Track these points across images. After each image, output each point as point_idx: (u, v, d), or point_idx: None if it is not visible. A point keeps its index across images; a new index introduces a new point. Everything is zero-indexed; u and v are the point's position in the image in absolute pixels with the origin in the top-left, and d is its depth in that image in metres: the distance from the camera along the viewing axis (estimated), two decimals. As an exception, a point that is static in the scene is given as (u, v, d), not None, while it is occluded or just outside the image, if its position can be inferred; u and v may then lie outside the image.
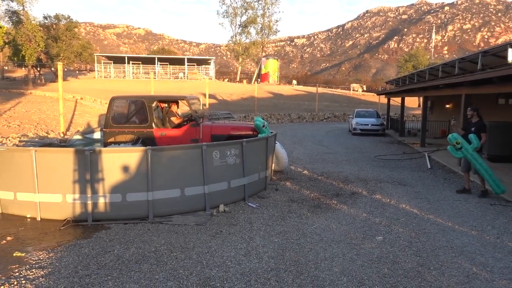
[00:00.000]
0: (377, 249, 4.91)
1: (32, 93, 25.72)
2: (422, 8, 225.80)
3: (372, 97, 43.94)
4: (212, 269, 4.30)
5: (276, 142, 9.61)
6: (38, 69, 40.08)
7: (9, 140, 11.79)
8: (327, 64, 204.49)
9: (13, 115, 16.50)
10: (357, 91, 49.41)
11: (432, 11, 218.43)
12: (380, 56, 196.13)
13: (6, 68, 49.84)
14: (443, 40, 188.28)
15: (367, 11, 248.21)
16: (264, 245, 5.00)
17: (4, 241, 5.23)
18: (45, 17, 39.68)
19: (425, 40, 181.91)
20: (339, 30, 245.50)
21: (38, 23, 35.82)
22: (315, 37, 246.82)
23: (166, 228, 5.70)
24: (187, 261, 4.51)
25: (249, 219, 6.09)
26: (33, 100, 21.66)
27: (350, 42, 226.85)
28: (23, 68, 41.78)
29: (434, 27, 77.29)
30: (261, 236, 5.34)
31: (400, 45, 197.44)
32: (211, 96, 30.05)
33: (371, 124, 20.26)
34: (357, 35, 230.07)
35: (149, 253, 4.77)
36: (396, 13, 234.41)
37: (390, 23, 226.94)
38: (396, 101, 24.59)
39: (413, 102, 41.57)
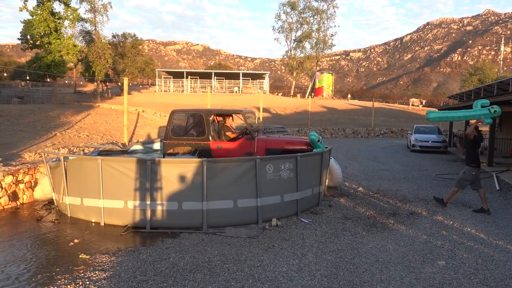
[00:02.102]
0: (438, 274, 4.61)
1: (99, 106, 27.66)
2: (489, 19, 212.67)
3: (432, 112, 41.77)
4: (264, 284, 4.29)
5: (331, 157, 9.45)
6: (106, 83, 43.14)
7: (79, 149, 12.73)
8: (384, 78, 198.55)
9: (83, 126, 17.84)
10: (416, 106, 47.30)
11: (500, 21, 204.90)
12: (441, 69, 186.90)
13: (78, 83, 54.16)
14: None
15: (427, 23, 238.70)
16: (317, 263, 4.90)
17: (72, 243, 5.62)
18: (113, 36, 42.85)
19: (493, 52, 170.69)
20: (397, 43, 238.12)
21: (107, 42, 38.72)
22: (372, 50, 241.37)
23: (219, 239, 5.79)
24: (239, 274, 4.54)
25: (302, 235, 6.00)
26: (101, 113, 23.27)
27: (409, 55, 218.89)
28: (94, 83, 45.15)
29: (503, 38, 72.28)
30: (313, 253, 5.23)
31: (464, 57, 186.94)
32: (265, 110, 30.37)
33: (431, 141, 19.24)
34: (416, 48, 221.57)
35: (203, 263, 4.86)
36: (460, 25, 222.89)
37: (453, 35, 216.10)
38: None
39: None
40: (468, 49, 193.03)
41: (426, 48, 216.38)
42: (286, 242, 5.69)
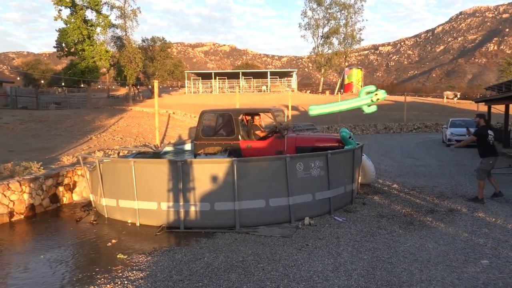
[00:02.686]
0: (482, 274, 4.39)
1: (132, 109, 28.41)
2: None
3: (468, 105, 40.16)
4: (299, 283, 4.23)
5: (363, 154, 9.25)
6: (137, 87, 44.25)
7: (114, 151, 13.11)
8: (416, 72, 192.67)
9: (116, 129, 18.37)
10: (451, 98, 45.53)
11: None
12: (477, 60, 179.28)
13: (110, 87, 55.88)
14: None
15: (460, 13, 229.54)
16: (353, 262, 4.79)
17: (110, 243, 5.77)
18: (143, 40, 43.86)
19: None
20: (428, 35, 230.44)
21: (137, 46, 39.72)
22: (402, 43, 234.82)
23: (252, 238, 5.79)
24: (273, 273, 4.51)
25: (336, 234, 5.90)
26: (133, 116, 23.89)
27: (442, 47, 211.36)
28: (126, 87, 46.50)
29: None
30: (349, 252, 5.13)
31: (501, 47, 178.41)
32: (293, 108, 30.16)
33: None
34: (449, 39, 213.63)
35: (237, 262, 4.87)
36: (496, 13, 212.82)
37: (488, 23, 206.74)
38: (498, 109, 22.14)
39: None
40: (505, 37, 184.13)
41: (459, 39, 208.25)
42: (320, 241, 5.60)
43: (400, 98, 42.37)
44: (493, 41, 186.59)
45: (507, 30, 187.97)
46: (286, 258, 4.97)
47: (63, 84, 38.33)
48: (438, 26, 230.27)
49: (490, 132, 7.89)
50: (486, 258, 4.84)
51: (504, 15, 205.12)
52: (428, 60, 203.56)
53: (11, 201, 7.16)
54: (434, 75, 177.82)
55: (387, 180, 10.10)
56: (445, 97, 46.57)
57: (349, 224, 6.38)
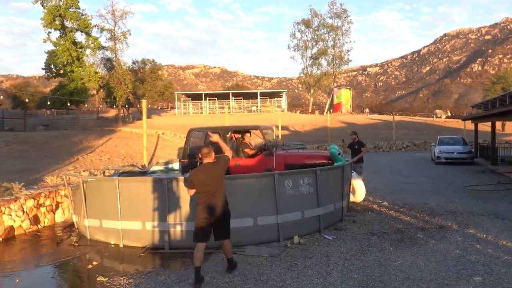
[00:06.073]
0: (476, 291, 4.27)
1: (121, 130, 28.15)
2: (508, 27, 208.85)
3: (455, 123, 40.73)
4: (287, 304, 4.05)
5: (353, 171, 9.18)
6: (127, 108, 44.08)
7: (99, 172, 12.86)
8: (403, 92, 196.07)
9: (104, 149, 18.11)
10: (439, 117, 46.14)
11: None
12: (462, 80, 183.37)
13: (100, 109, 55.64)
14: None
15: (444, 35, 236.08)
16: (343, 281, 4.63)
17: (90, 266, 5.53)
18: (133, 62, 43.95)
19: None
20: (414, 56, 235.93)
21: (127, 68, 39.76)
22: (389, 64, 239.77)
23: (240, 258, 5.59)
24: (260, 294, 4.32)
25: (326, 252, 5.74)
26: (122, 136, 23.65)
27: (428, 68, 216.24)
28: (115, 108, 46.28)
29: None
30: (339, 271, 4.96)
31: (485, 67, 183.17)
32: (283, 128, 30.24)
33: (457, 152, 18.58)
34: (434, 60, 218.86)
35: (223, 283, 4.67)
36: (478, 34, 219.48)
37: (471, 45, 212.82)
38: (486, 125, 22.44)
39: (508, 128, 37.70)
40: (489, 58, 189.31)
41: (444, 60, 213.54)
42: (310, 260, 5.44)
43: (389, 118, 42.84)
44: (477, 62, 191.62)
45: (490, 51, 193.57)
46: (274, 278, 4.79)
47: (49, 104, 37.95)
48: (424, 48, 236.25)
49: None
50: (479, 275, 4.72)
51: (487, 37, 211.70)
52: (415, 81, 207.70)
53: (-11, 223, 6.87)
54: (421, 95, 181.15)
55: (377, 197, 10.01)
56: (438, 115, 46.89)
57: (339, 242, 6.23)
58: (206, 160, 4.98)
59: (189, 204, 6.12)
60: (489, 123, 19.74)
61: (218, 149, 8.64)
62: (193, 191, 4.90)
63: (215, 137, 5.26)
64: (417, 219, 7.65)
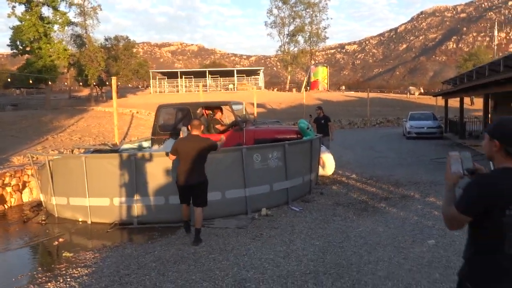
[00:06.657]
0: (428, 253, 4.51)
1: (93, 109, 27.50)
2: (483, 5, 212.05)
3: (428, 99, 41.67)
4: (249, 271, 4.19)
5: (322, 145, 9.35)
6: (101, 87, 42.94)
7: (68, 151, 12.62)
8: (380, 70, 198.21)
9: (75, 129, 17.71)
10: (413, 94, 47.06)
11: (494, 7, 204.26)
12: (437, 58, 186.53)
13: (73, 88, 53.98)
14: (507, 38, 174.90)
15: (421, 12, 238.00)
16: (305, 248, 4.80)
17: (56, 242, 5.52)
18: (106, 39, 42.61)
19: (487, 39, 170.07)
20: (391, 34, 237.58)
21: (99, 45, 38.50)
22: (367, 42, 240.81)
23: (207, 231, 5.69)
24: (224, 263, 4.44)
25: (291, 223, 5.91)
26: (94, 116, 23.13)
27: (404, 46, 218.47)
28: (88, 87, 45.01)
29: (496, 23, 71.94)
30: (302, 239, 5.14)
31: (460, 45, 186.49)
32: (260, 106, 30.21)
33: (427, 127, 19.11)
34: (411, 38, 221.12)
35: (188, 254, 4.77)
36: (454, 12, 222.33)
37: (447, 23, 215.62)
38: (457, 101, 23.09)
39: (478, 103, 38.87)
40: (463, 36, 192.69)
41: (421, 38, 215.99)
42: (275, 230, 5.59)
43: (364, 95, 43.35)
44: (452, 40, 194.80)
45: (464, 29, 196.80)
46: (238, 248, 4.92)
47: (17, 83, 36.51)
48: (401, 25, 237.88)
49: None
50: (433, 239, 4.98)
51: (462, 15, 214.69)
52: (392, 58, 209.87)
53: (-49, 203, 6.71)
54: (398, 72, 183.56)
55: (346, 171, 10.26)
56: (412, 92, 47.81)
57: (305, 213, 6.41)
58: (195, 132, 5.24)
59: (157, 179, 6.14)
60: (458, 99, 20.30)
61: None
62: (173, 157, 5.26)
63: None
64: (382, 190, 7.93)
